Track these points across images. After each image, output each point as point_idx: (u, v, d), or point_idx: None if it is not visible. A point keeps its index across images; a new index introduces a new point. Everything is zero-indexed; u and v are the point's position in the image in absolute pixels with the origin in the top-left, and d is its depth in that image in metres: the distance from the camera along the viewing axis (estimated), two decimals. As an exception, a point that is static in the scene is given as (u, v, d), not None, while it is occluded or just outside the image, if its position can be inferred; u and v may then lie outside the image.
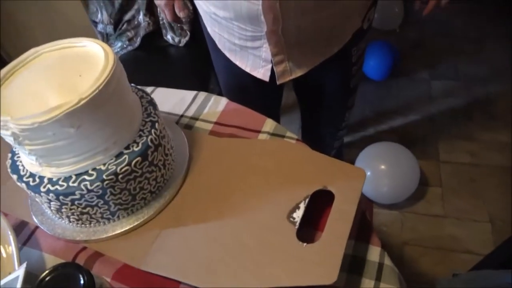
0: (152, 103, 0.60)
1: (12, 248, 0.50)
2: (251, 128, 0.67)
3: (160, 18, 1.39)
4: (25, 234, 0.59)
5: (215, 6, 0.77)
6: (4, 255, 0.53)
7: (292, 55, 0.81)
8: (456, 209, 1.25)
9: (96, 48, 0.52)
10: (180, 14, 0.85)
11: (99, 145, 0.50)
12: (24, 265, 0.45)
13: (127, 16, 1.40)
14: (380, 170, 1.24)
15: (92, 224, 0.56)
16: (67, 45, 0.55)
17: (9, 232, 0.52)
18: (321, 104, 1.07)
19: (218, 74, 1.06)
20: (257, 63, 0.84)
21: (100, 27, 1.45)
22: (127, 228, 0.55)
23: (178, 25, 1.36)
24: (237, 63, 0.88)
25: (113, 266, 0.53)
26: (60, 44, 0.55)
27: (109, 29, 1.43)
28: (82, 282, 0.39)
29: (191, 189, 0.59)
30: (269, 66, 0.83)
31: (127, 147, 0.52)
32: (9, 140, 0.47)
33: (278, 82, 0.85)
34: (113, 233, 0.55)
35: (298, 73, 0.85)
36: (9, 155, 0.56)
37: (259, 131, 0.66)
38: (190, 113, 0.73)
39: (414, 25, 2.04)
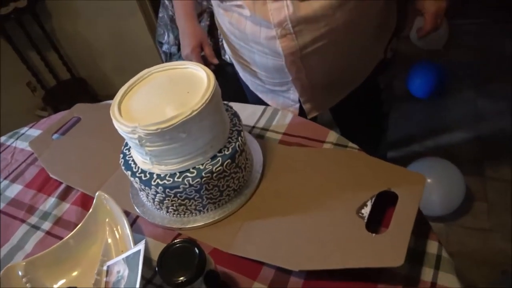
0: (236, 115, 0.71)
1: (127, 229, 0.62)
2: (316, 139, 0.76)
3: (220, 39, 1.53)
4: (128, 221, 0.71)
5: (244, 61, 0.87)
6: (117, 235, 0.65)
7: (318, 94, 0.88)
8: (503, 224, 1.27)
9: (199, 70, 0.64)
10: (214, 61, 0.93)
11: (200, 148, 0.61)
12: (143, 241, 0.56)
13: (190, 38, 1.55)
14: (426, 183, 1.29)
15: (186, 215, 0.67)
16: (172, 67, 0.67)
17: (123, 217, 0.63)
18: (356, 128, 1.12)
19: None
20: (287, 103, 0.92)
21: (165, 47, 1.61)
22: (215, 219, 0.66)
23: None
24: (269, 102, 0.96)
25: (204, 250, 0.63)
26: (167, 66, 0.68)
27: (173, 49, 1.59)
28: (197, 252, 0.49)
29: (267, 189, 0.69)
30: (298, 105, 0.90)
31: (220, 151, 0.63)
32: (134, 142, 0.59)
33: (308, 117, 0.92)
34: (204, 223, 0.66)
35: (326, 107, 0.93)
36: (120, 155, 0.69)
37: (323, 141, 0.75)
38: (261, 124, 0.84)
39: (459, 45, 2.07)
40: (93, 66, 2.28)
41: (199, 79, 0.63)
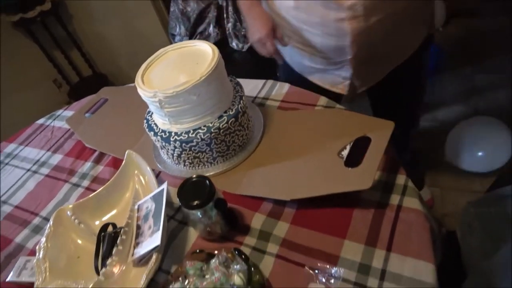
0: (238, 84, 0.84)
1: (152, 177, 0.76)
2: (309, 103, 0.89)
3: (227, 28, 1.67)
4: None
5: (302, 44, 0.89)
6: (144, 183, 0.79)
7: (369, 70, 0.91)
8: None
9: (205, 46, 0.78)
10: (285, 43, 0.90)
11: (209, 109, 0.74)
12: (166, 183, 0.70)
13: (200, 29, 1.69)
14: (474, 140, 1.46)
15: (199, 167, 0.81)
16: (184, 45, 0.81)
17: (148, 168, 0.78)
18: (395, 105, 1.12)
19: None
20: (337, 80, 0.94)
21: (177, 39, 1.76)
22: (223, 169, 0.80)
23: (242, 33, 1.63)
24: (316, 81, 0.97)
25: (216, 194, 0.77)
26: (178, 45, 0.82)
27: (185, 40, 1.73)
28: (208, 184, 0.63)
29: (266, 145, 0.82)
30: (348, 82, 0.92)
31: (225, 112, 0.77)
32: (155, 105, 0.73)
33: (358, 91, 0.95)
34: (214, 172, 0.80)
35: (375, 81, 0.96)
36: (144, 121, 0.83)
37: (315, 105, 0.88)
38: (262, 95, 0.97)
39: (456, 24, 2.15)
40: (112, 62, 2.46)
41: (205, 53, 0.76)
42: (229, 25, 1.64)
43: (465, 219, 0.79)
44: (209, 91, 0.72)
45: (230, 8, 1.61)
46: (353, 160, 0.69)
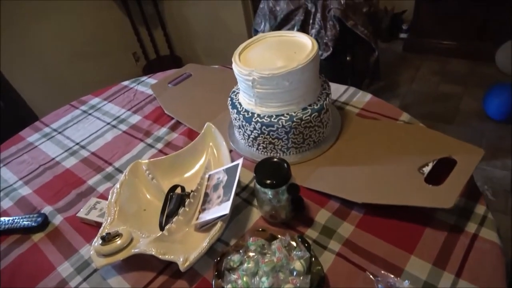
0: (326, 82, 0.85)
1: (226, 151, 0.78)
2: (390, 116, 0.88)
3: (310, 34, 1.68)
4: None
5: None
6: (217, 156, 0.82)
7: None
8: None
9: (304, 38, 0.79)
10: None
11: (296, 98, 0.76)
12: (242, 158, 0.72)
13: (284, 29, 1.72)
14: None
15: (271, 154, 0.82)
16: (283, 34, 0.83)
17: (224, 142, 0.80)
18: None
19: None
20: None
21: (259, 35, 1.80)
22: (294, 161, 0.80)
23: (324, 40, 1.64)
24: None
25: (283, 182, 0.77)
26: (278, 33, 0.84)
27: (267, 37, 1.77)
28: (286, 167, 0.64)
29: (341, 147, 0.82)
30: None
31: (310, 105, 0.78)
32: (247, 84, 0.75)
33: None
34: (285, 162, 0.81)
35: None
36: (228, 99, 0.86)
37: (396, 119, 0.86)
38: (342, 99, 0.97)
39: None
40: (189, 46, 2.57)
41: (304, 44, 0.78)
42: (313, 31, 1.66)
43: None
44: (301, 80, 0.74)
45: (318, 15, 1.63)
46: (434, 178, 0.67)
